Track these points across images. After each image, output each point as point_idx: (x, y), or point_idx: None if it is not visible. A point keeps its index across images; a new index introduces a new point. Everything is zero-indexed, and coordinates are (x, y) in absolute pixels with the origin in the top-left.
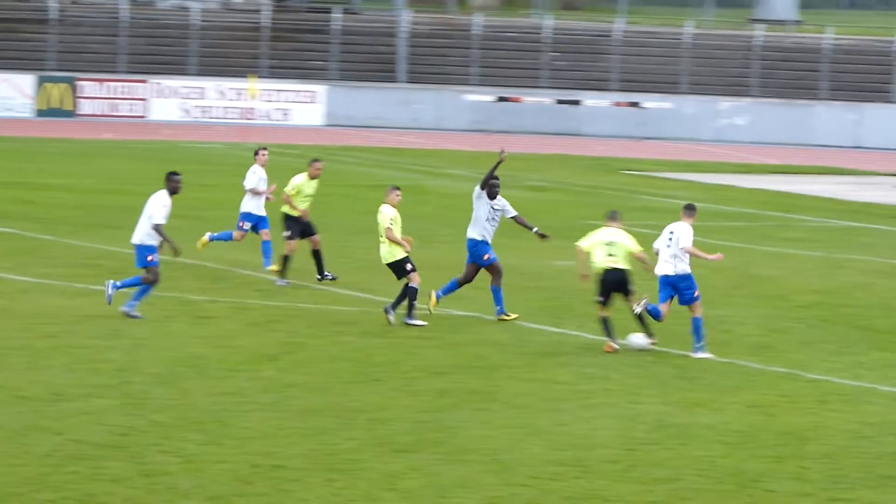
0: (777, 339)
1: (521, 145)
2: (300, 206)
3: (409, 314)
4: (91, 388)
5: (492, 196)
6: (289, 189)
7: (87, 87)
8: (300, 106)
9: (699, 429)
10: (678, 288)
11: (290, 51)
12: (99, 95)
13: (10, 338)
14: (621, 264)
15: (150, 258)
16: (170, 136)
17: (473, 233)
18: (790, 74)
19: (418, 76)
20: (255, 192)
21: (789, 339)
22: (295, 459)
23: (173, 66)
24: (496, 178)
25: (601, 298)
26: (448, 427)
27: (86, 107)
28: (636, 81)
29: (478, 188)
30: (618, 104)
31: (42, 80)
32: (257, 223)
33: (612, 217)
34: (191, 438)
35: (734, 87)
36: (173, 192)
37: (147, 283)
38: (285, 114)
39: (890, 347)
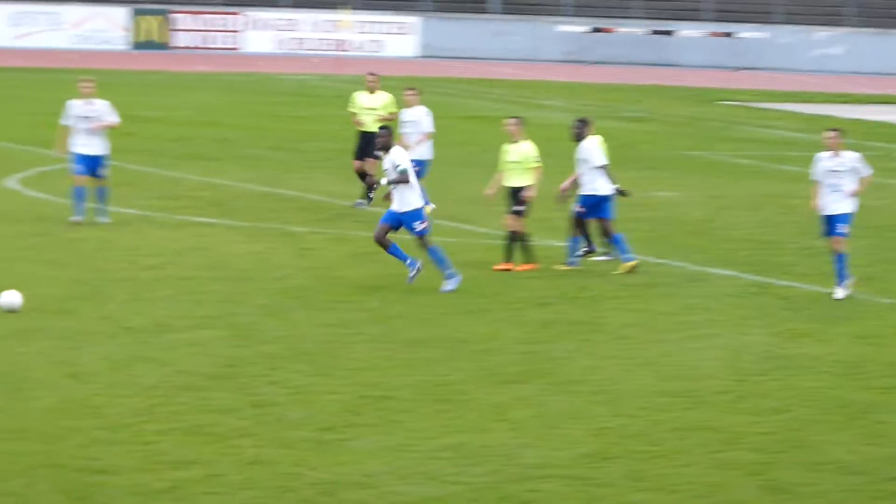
0: (884, 269)
1: (616, 76)
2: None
3: None
4: (196, 319)
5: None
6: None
7: (181, 19)
8: (394, 37)
9: (807, 360)
10: None
11: None
12: (193, 27)
13: (113, 270)
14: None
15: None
16: (264, 67)
17: None
18: (886, 3)
19: (512, 6)
20: None
21: None
22: (403, 390)
23: None
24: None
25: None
26: (554, 358)
27: (180, 39)
28: (730, 11)
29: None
30: (712, 34)
31: (137, 13)
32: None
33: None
34: (299, 369)
35: (829, 17)
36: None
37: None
38: (379, 45)
39: None
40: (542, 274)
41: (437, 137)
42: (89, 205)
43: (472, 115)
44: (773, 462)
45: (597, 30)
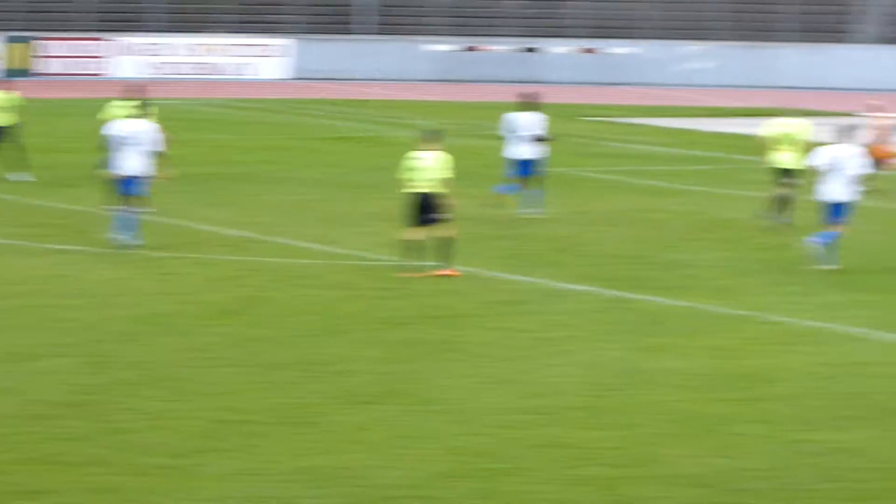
0: (742, 282)
1: (485, 94)
2: None
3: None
4: (57, 347)
5: None
6: None
7: (48, 45)
8: (267, 60)
9: (665, 374)
10: None
11: (256, 4)
12: (59, 54)
13: None
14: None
15: None
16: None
17: None
18: (756, 17)
19: (384, 27)
20: None
21: (754, 282)
22: (262, 413)
23: (134, 22)
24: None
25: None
26: (413, 378)
27: (47, 65)
28: (599, 27)
29: None
30: (581, 50)
31: (10, 40)
32: None
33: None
34: (157, 396)
35: (699, 31)
36: None
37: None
38: (252, 68)
39: (853, 287)
40: (403, 293)
41: (306, 159)
42: None
43: (340, 136)
44: (624, 477)
45: (468, 48)
